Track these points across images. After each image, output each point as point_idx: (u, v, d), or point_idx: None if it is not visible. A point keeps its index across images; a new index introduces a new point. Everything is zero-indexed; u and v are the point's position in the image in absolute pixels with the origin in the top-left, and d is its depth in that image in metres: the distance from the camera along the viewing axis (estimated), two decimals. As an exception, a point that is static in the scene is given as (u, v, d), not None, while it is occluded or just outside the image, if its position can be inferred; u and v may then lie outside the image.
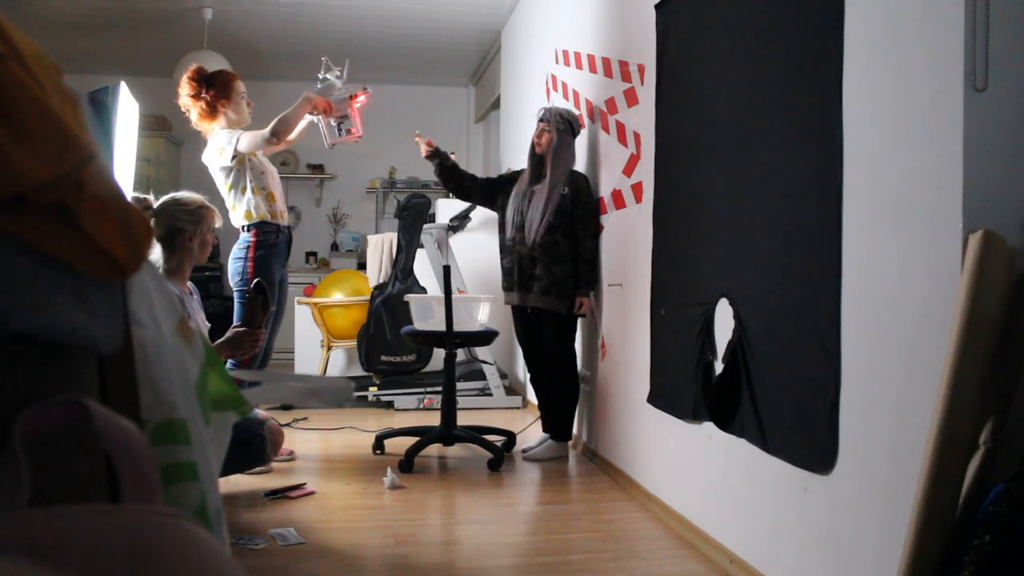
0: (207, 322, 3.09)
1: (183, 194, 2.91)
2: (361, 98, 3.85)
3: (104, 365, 0.69)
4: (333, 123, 3.86)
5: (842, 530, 1.84)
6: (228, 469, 2.87)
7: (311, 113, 3.78)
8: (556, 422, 3.82)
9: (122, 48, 6.77)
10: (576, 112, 3.95)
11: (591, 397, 3.86)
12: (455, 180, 4.01)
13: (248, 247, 3.61)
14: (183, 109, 3.66)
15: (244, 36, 6.40)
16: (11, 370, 0.57)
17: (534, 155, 3.79)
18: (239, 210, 3.62)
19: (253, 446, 3.06)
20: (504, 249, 3.86)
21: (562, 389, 3.79)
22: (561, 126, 3.70)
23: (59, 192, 0.57)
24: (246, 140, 3.54)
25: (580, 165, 3.87)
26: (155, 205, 2.83)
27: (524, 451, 3.83)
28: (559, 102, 4.38)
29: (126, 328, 0.71)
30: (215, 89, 3.60)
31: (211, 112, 3.61)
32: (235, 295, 3.64)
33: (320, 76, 3.87)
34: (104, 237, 0.61)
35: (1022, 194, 1.51)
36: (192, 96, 3.61)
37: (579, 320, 3.83)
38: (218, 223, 2.96)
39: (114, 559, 0.47)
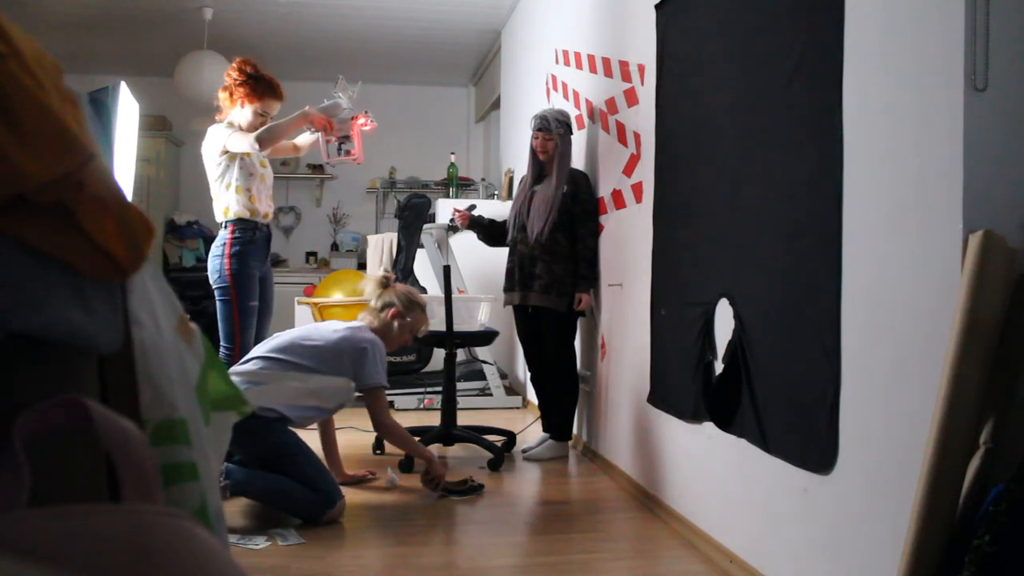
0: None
1: (419, 293, 3.49)
2: (361, 120, 3.84)
3: (104, 365, 0.69)
4: (334, 141, 3.85)
5: (842, 530, 1.84)
6: (277, 501, 2.82)
7: (310, 130, 3.80)
8: (556, 422, 3.82)
9: (122, 48, 6.77)
10: (576, 112, 3.95)
11: (591, 397, 3.86)
12: (498, 235, 4.12)
13: (225, 244, 3.62)
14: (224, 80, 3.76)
15: (244, 36, 6.40)
16: (11, 370, 0.57)
17: (536, 160, 3.80)
18: (219, 203, 3.66)
19: (313, 506, 2.78)
20: (508, 250, 3.89)
21: (562, 389, 3.79)
22: (561, 131, 3.72)
23: (59, 192, 0.57)
24: (235, 140, 3.58)
25: (580, 165, 3.87)
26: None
27: (524, 451, 3.83)
28: (559, 102, 4.38)
29: (126, 328, 0.71)
30: (246, 87, 3.66)
31: (231, 97, 3.68)
32: (216, 293, 3.63)
33: (333, 93, 3.86)
34: (104, 237, 0.61)
35: (1022, 194, 1.51)
36: (230, 77, 3.71)
37: (579, 320, 3.84)
38: (423, 330, 3.40)
39: (114, 559, 0.47)
